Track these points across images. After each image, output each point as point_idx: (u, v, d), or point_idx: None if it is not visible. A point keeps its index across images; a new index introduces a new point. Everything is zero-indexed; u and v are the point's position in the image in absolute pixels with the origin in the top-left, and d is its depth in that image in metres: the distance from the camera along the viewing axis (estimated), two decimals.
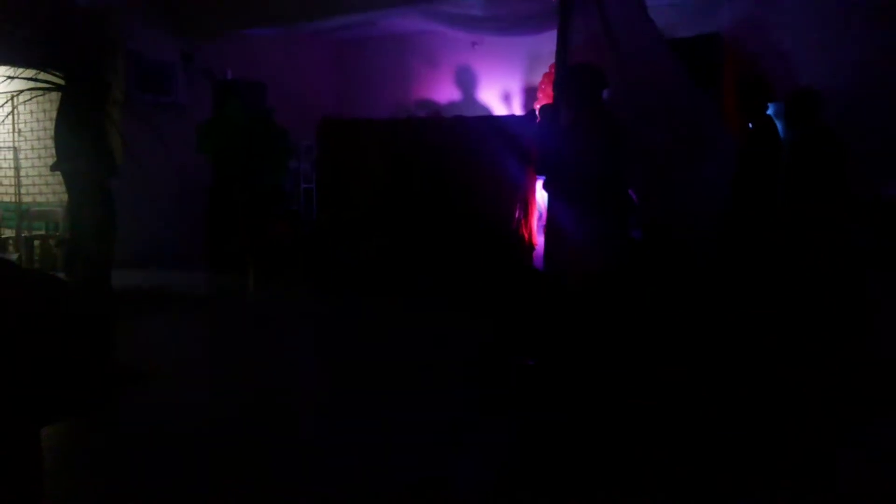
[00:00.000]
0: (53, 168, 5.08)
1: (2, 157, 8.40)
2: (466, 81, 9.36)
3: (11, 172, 8.37)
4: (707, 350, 4.02)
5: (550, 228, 4.45)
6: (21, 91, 6.10)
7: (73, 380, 1.91)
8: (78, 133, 4.73)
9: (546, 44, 5.27)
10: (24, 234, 7.82)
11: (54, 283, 2.29)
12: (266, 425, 3.18)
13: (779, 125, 5.05)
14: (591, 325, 3.87)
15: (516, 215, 6.72)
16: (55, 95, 6.12)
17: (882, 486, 2.83)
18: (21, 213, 8.00)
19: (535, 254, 6.68)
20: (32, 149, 8.28)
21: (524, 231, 6.77)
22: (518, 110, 8.67)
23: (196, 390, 3.76)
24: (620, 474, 2.71)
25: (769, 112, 5.03)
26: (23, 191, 8.36)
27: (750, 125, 5.00)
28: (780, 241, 4.58)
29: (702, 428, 3.20)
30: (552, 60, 4.62)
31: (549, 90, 5.76)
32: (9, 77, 7.00)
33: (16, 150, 8.33)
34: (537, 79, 8.24)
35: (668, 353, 3.90)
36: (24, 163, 8.37)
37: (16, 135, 8.31)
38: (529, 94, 8.67)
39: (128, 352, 3.96)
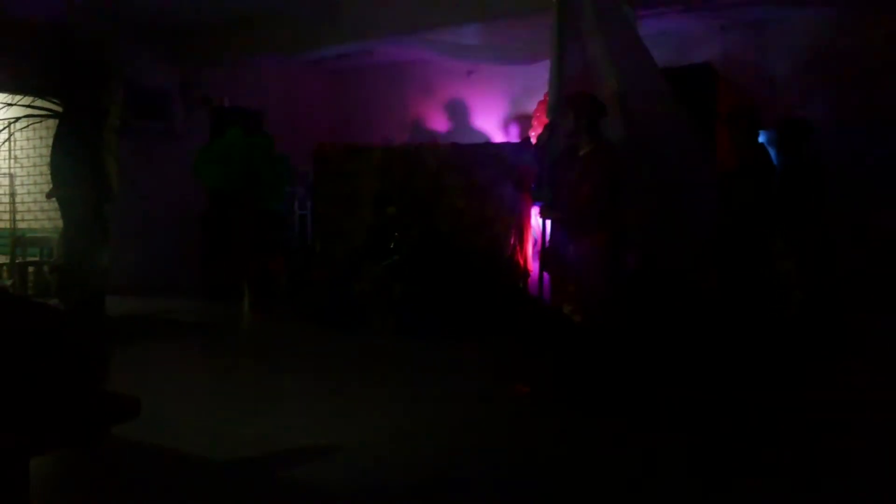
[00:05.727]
0: (50, 195, 5.06)
1: None
2: (462, 109, 9.44)
3: (7, 199, 8.39)
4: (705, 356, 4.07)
5: (546, 256, 4.47)
6: (18, 118, 6.13)
7: (65, 410, 1.89)
8: (74, 159, 4.73)
9: (541, 72, 5.32)
10: (19, 260, 7.80)
11: (47, 310, 2.27)
12: (260, 465, 3.09)
13: (771, 152, 5.12)
14: (594, 352, 3.87)
15: (511, 242, 6.74)
16: (51, 122, 6.15)
17: (881, 480, 2.84)
18: (16, 239, 7.99)
19: (529, 280, 6.68)
20: (28, 175, 8.31)
21: (519, 257, 6.78)
22: (513, 138, 8.74)
23: (190, 421, 3.71)
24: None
25: (761, 140, 5.11)
26: (18, 217, 8.36)
27: (742, 155, 5.07)
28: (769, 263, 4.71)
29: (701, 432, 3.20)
30: (547, 89, 4.67)
31: (544, 118, 5.82)
32: (6, 104, 7.05)
33: (12, 176, 8.37)
34: (532, 106, 8.31)
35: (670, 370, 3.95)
36: (19, 189, 8.38)
37: (12, 161, 8.35)
38: (524, 121, 8.74)
39: (122, 381, 3.92)
